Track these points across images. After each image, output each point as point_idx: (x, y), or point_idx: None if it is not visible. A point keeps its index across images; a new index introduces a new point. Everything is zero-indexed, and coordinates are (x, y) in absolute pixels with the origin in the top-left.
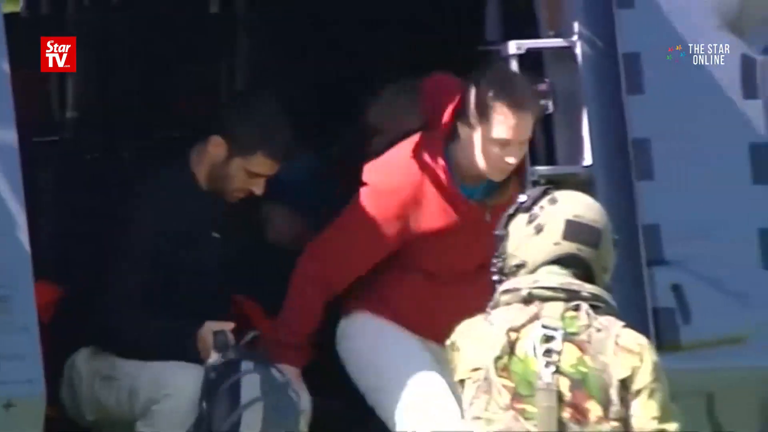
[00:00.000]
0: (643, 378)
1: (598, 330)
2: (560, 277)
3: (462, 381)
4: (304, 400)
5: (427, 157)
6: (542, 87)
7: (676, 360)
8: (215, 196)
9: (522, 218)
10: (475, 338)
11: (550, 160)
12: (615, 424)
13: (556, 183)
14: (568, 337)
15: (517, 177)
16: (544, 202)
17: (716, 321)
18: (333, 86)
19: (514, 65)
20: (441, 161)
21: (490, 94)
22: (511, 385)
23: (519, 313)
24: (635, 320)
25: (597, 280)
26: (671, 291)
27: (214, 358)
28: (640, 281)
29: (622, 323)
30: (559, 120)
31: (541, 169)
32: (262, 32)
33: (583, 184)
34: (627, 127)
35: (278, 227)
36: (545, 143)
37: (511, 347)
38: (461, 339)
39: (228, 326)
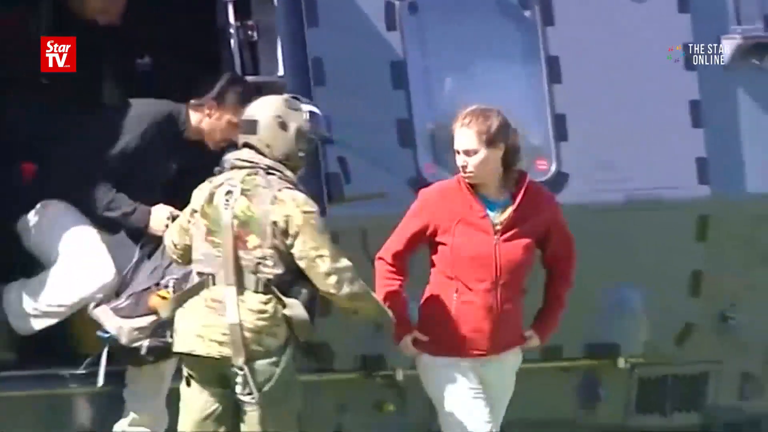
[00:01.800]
0: (296, 222)
1: (265, 187)
2: (248, 154)
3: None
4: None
5: None
6: (250, 23)
7: (342, 209)
8: None
9: None
10: (198, 192)
11: (255, 72)
12: (269, 251)
13: (260, 87)
14: (244, 192)
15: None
16: None
17: (367, 182)
18: None
19: (230, 8)
20: None
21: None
22: (208, 224)
23: (222, 177)
24: (315, 181)
25: (266, 154)
26: (338, 161)
27: None
28: (316, 154)
29: (287, 185)
30: (262, 46)
31: (249, 78)
32: None
33: (278, 88)
34: (307, 48)
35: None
36: (252, 60)
37: (210, 198)
38: (195, 193)
39: None
